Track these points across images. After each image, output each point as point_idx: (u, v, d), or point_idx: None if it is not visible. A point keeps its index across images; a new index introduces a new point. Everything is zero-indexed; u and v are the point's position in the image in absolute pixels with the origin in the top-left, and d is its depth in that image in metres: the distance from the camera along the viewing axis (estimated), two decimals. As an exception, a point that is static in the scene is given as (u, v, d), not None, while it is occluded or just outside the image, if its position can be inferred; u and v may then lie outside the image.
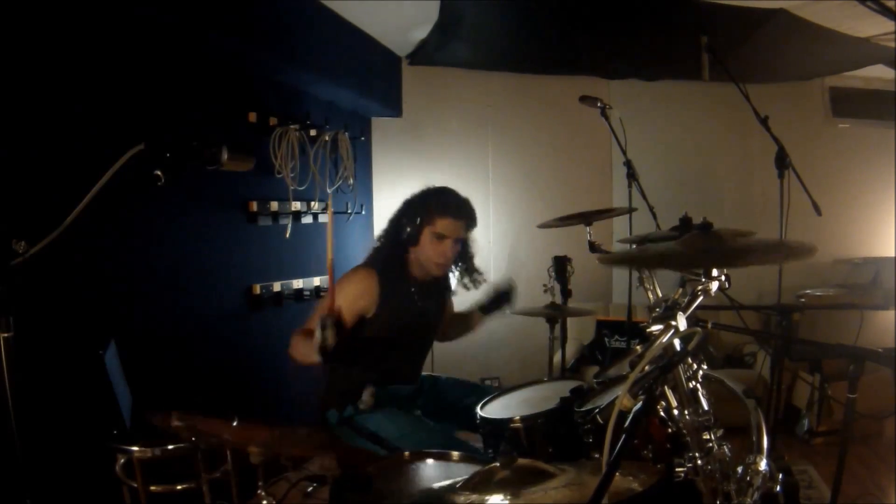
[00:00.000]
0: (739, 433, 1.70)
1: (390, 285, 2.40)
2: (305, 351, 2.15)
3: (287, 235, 3.63)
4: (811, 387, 3.96)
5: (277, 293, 3.61)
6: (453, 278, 2.69)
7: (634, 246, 2.36)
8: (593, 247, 2.74)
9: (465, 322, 2.77)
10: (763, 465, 1.51)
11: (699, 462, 1.49)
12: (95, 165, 1.41)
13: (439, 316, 2.66)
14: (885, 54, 4.32)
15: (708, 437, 1.51)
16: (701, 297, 1.52)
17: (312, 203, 3.87)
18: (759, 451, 1.57)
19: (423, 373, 2.68)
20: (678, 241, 1.62)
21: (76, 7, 2.35)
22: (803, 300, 3.91)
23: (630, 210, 3.21)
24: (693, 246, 1.56)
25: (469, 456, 1.82)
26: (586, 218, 2.78)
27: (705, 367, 1.61)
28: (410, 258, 2.47)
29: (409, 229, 2.43)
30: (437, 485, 1.58)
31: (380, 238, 2.57)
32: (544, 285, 3.00)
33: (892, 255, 4.85)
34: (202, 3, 2.70)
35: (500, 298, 2.74)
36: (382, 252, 2.50)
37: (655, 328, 1.49)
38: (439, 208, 2.43)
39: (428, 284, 2.55)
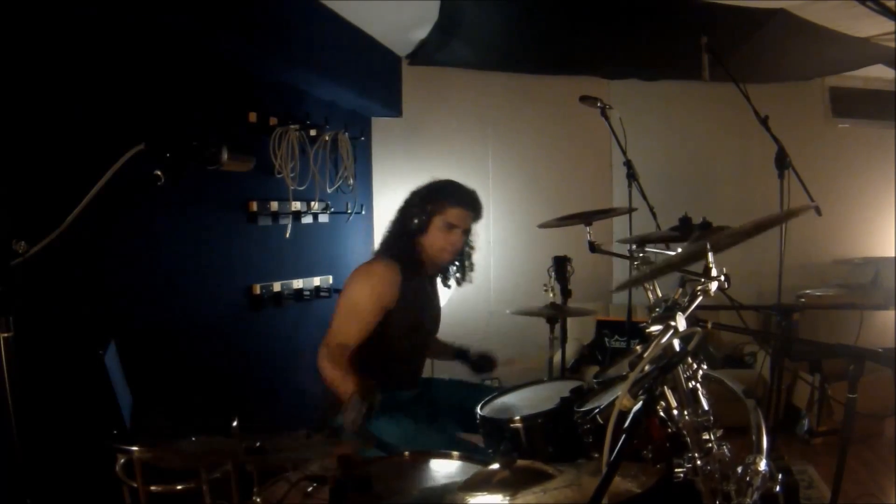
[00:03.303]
0: (739, 433, 1.70)
1: (409, 277, 2.41)
2: (338, 389, 2.18)
3: (287, 235, 3.63)
4: (811, 387, 3.96)
5: (277, 293, 3.61)
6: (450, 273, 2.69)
7: (634, 246, 2.35)
8: (593, 247, 2.75)
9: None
10: (763, 465, 1.51)
11: (699, 462, 1.49)
12: (95, 165, 1.41)
13: (439, 311, 2.67)
14: (885, 54, 4.31)
15: (708, 437, 1.51)
16: (701, 297, 1.53)
17: (312, 203, 3.87)
18: (759, 451, 1.57)
19: (424, 375, 2.68)
20: (685, 247, 1.62)
21: (76, 6, 2.34)
22: (803, 300, 3.91)
23: (630, 210, 3.22)
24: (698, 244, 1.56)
25: (469, 456, 1.82)
26: (586, 218, 2.79)
27: (705, 367, 1.61)
28: (419, 249, 2.47)
29: (416, 220, 2.44)
30: (436, 485, 1.59)
31: (389, 229, 2.56)
32: (544, 285, 3.00)
33: (892, 255, 4.85)
34: (202, 3, 2.70)
35: (481, 365, 2.73)
36: (395, 243, 2.49)
37: (655, 328, 1.49)
38: (452, 198, 2.46)
39: (433, 278, 2.56)
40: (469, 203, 2.47)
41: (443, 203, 2.44)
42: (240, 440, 1.60)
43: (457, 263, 2.65)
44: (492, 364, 2.73)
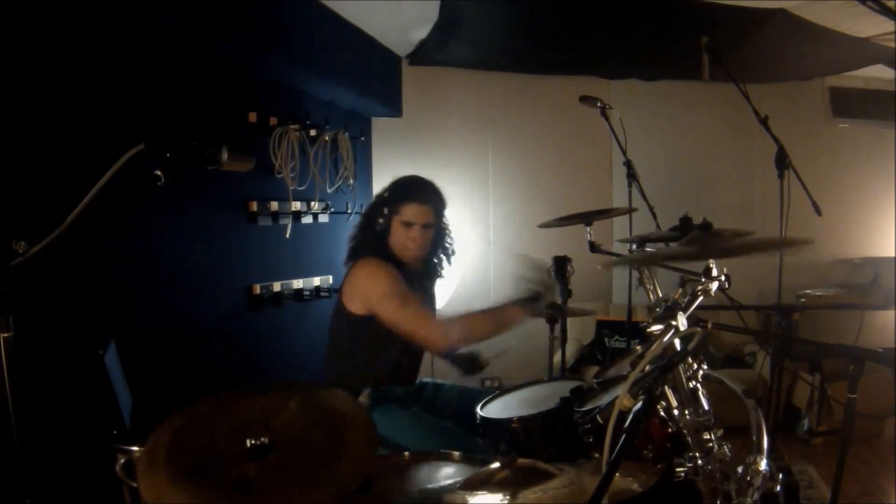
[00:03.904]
0: (739, 433, 1.70)
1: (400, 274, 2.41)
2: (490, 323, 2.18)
3: (287, 235, 3.63)
4: (811, 387, 3.96)
5: (277, 293, 3.61)
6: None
7: (635, 246, 2.35)
8: (594, 247, 2.75)
9: None
10: (763, 465, 1.51)
11: (699, 462, 1.49)
12: (95, 165, 1.41)
13: (433, 308, 2.67)
14: (885, 54, 4.31)
15: (708, 437, 1.51)
16: (701, 297, 1.53)
17: (312, 203, 3.87)
18: (759, 451, 1.57)
19: (426, 378, 2.68)
20: (682, 242, 1.62)
21: (75, 6, 2.34)
22: (803, 300, 3.91)
23: (630, 210, 3.22)
24: (697, 245, 1.56)
25: (469, 456, 1.82)
26: (586, 218, 2.79)
27: (705, 367, 1.61)
28: (389, 250, 2.47)
29: (380, 221, 2.46)
30: (437, 485, 1.59)
31: (354, 235, 2.56)
32: (544, 285, 2.99)
33: (892, 255, 4.85)
34: (202, 3, 2.70)
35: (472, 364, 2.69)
36: (365, 247, 2.49)
37: (655, 328, 1.49)
38: (403, 195, 2.47)
39: (418, 274, 2.56)
40: (422, 197, 2.46)
41: (397, 202, 2.45)
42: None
43: (437, 258, 2.65)
44: (477, 363, 2.70)
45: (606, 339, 4.42)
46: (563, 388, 2.17)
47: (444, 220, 2.60)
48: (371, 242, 2.49)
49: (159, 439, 1.38)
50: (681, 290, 1.61)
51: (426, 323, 2.25)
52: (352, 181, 4.25)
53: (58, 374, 2.23)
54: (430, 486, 1.64)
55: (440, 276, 2.70)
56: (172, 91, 2.86)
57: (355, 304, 2.40)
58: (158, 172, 1.41)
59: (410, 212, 2.43)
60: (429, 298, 2.66)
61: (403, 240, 2.44)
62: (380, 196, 2.55)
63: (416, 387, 2.59)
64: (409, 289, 2.36)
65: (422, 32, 4.33)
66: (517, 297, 2.21)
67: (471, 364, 2.65)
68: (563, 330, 3.10)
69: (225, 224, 3.28)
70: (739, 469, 1.50)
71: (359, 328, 2.37)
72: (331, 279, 4.07)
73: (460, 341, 2.29)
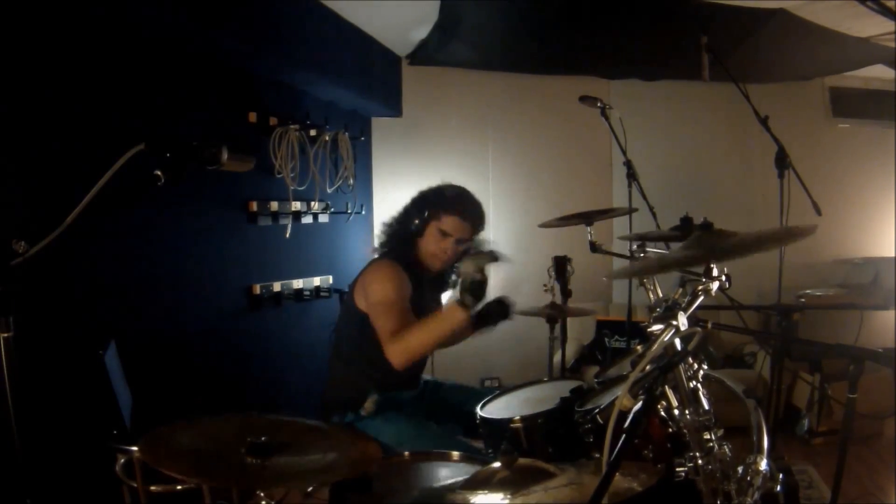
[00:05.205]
0: (739, 433, 1.70)
1: (410, 278, 2.41)
2: (436, 330, 2.18)
3: (287, 235, 3.63)
4: (811, 387, 3.96)
5: (277, 293, 3.61)
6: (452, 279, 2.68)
7: (636, 246, 2.35)
8: (594, 247, 2.75)
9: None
10: (763, 464, 1.51)
11: (699, 462, 1.49)
12: (95, 165, 1.41)
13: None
14: (885, 54, 4.32)
15: (708, 436, 1.51)
16: (701, 297, 1.52)
17: (312, 203, 3.87)
18: (760, 451, 1.57)
19: (425, 376, 2.68)
20: (683, 246, 1.62)
21: (76, 6, 2.34)
22: (803, 300, 3.91)
23: (630, 210, 3.22)
24: (698, 248, 1.56)
25: (469, 456, 1.82)
26: (587, 218, 2.79)
27: (706, 367, 1.61)
28: (417, 251, 2.47)
29: (416, 221, 2.45)
30: (437, 485, 1.59)
31: (389, 229, 2.56)
32: (544, 285, 3.00)
33: (892, 255, 4.85)
34: (202, 3, 2.70)
35: (494, 313, 2.64)
36: (396, 243, 2.49)
37: (656, 328, 1.49)
38: (448, 205, 2.45)
39: (432, 280, 2.56)
40: (465, 213, 2.45)
41: (439, 209, 2.43)
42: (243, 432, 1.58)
43: (454, 275, 2.63)
44: (507, 308, 2.51)
45: (606, 339, 4.42)
46: (563, 388, 2.17)
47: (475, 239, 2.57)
48: (399, 240, 2.48)
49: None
50: (681, 290, 1.61)
51: (391, 339, 2.23)
52: (352, 181, 4.25)
53: (58, 374, 2.23)
54: (429, 486, 1.64)
55: (448, 289, 2.68)
56: (173, 91, 2.86)
57: (361, 301, 2.40)
58: (158, 172, 1.41)
59: (451, 223, 2.42)
60: (434, 306, 2.65)
61: (434, 248, 2.43)
62: (423, 196, 2.51)
63: (418, 390, 2.59)
64: (410, 297, 2.35)
65: (422, 32, 4.33)
66: (455, 296, 2.17)
67: (500, 310, 2.47)
68: (563, 330, 3.10)
69: (225, 224, 3.28)
70: (740, 469, 1.50)
71: (363, 325, 2.37)
72: (331, 279, 4.07)
73: (417, 356, 2.28)
